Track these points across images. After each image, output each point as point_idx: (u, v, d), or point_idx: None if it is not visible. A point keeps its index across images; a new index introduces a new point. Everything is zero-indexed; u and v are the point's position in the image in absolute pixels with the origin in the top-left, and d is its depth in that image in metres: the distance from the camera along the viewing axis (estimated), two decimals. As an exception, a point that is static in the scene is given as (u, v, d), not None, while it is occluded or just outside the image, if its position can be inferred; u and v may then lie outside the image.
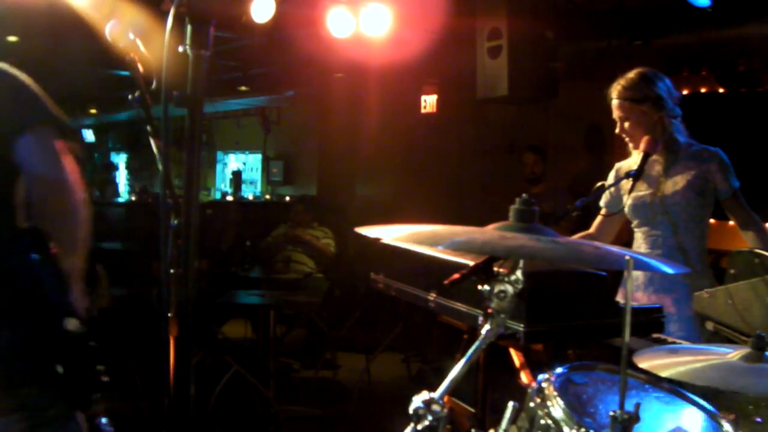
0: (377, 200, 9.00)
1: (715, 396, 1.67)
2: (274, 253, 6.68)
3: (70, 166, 2.08)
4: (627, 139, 2.97)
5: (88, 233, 2.14)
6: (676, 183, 2.88)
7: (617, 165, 3.11)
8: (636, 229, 3.01)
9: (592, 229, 3.15)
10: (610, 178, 3.09)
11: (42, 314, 1.99)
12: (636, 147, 2.93)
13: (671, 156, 2.92)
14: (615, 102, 2.95)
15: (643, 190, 2.93)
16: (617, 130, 2.98)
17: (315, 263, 6.61)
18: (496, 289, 1.53)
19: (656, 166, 2.94)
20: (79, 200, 2.09)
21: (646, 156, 2.80)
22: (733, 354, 1.60)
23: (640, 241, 2.98)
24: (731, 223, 2.95)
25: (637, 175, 2.79)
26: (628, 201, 2.93)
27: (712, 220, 2.96)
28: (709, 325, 2.35)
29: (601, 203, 3.11)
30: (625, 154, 3.08)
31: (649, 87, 2.88)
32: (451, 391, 1.51)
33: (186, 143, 1.81)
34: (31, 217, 2.09)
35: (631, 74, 2.92)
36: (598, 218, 3.14)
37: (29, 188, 2.07)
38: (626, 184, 2.90)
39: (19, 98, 2.08)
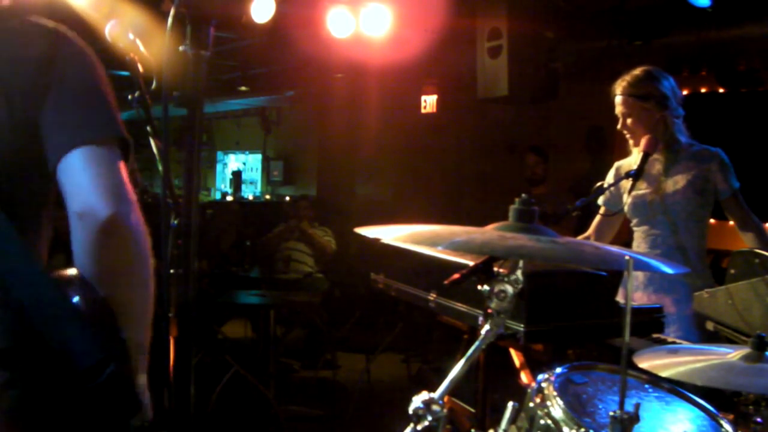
0: (377, 200, 9.00)
1: (715, 396, 1.67)
2: (275, 249, 6.67)
3: (136, 203, 1.45)
4: (628, 136, 2.97)
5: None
6: (677, 182, 2.88)
7: (617, 164, 3.11)
8: (635, 228, 3.01)
9: (589, 231, 3.15)
10: (610, 177, 3.09)
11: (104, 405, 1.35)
12: (636, 144, 2.93)
13: (672, 155, 2.92)
14: (618, 98, 2.94)
15: (643, 188, 2.93)
16: (619, 126, 2.98)
17: (315, 262, 6.61)
18: (496, 289, 1.53)
19: (657, 165, 2.94)
20: (149, 251, 1.48)
21: (646, 156, 2.80)
22: (733, 354, 1.60)
23: (639, 240, 2.98)
24: (731, 223, 2.95)
25: (637, 175, 2.78)
26: (627, 200, 2.93)
27: (712, 220, 2.96)
28: (709, 325, 2.35)
29: (600, 201, 3.11)
30: (625, 154, 3.08)
31: (654, 85, 2.89)
32: (451, 391, 1.51)
33: (186, 143, 1.81)
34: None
35: (637, 71, 2.93)
36: (596, 219, 3.14)
37: (75, 231, 1.40)
38: (626, 183, 2.90)
39: (87, 96, 1.47)
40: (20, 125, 1.40)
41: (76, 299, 1.35)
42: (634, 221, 3.00)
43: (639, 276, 2.95)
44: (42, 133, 1.41)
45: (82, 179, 1.39)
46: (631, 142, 2.98)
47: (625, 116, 2.94)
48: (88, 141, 1.41)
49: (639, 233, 2.99)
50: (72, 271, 1.41)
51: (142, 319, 1.49)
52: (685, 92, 5.59)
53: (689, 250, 2.87)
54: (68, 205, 1.40)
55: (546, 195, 5.60)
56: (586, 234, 3.15)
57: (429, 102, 8.12)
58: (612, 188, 3.05)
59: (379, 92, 7.92)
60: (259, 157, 12.78)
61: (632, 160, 2.97)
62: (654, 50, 5.36)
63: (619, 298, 2.30)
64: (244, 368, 4.64)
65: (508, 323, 1.82)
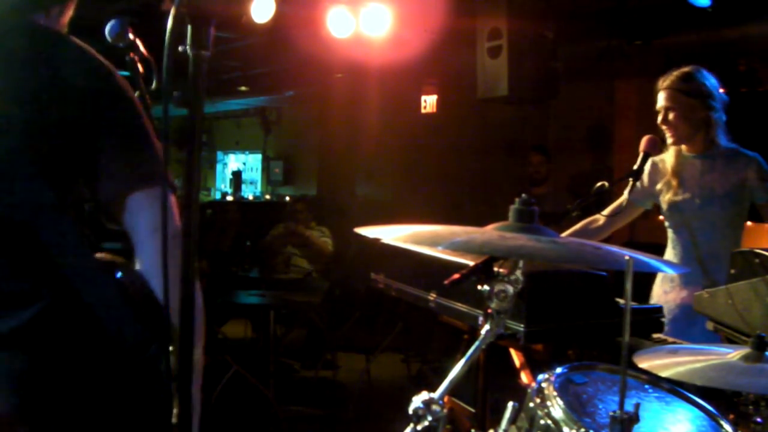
0: (377, 200, 9.00)
1: (715, 396, 1.67)
2: (275, 252, 6.67)
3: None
4: (668, 133, 2.93)
5: None
6: (714, 189, 2.87)
7: (652, 159, 3.04)
8: (670, 230, 3.01)
9: (602, 213, 3.08)
10: (645, 170, 3.04)
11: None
12: (676, 142, 2.92)
13: (708, 160, 2.92)
14: (664, 92, 2.92)
15: (680, 193, 2.93)
16: (659, 121, 2.95)
17: (313, 264, 6.61)
18: (496, 289, 1.53)
19: (692, 170, 2.93)
20: None
21: (646, 156, 2.78)
22: (733, 354, 1.60)
23: (674, 244, 2.98)
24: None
25: (636, 175, 2.77)
26: (664, 204, 2.95)
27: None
28: (710, 325, 2.35)
29: (626, 192, 3.03)
30: (626, 154, 3.07)
31: (703, 83, 2.89)
32: (451, 391, 1.51)
33: (186, 143, 1.81)
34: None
35: (686, 68, 2.92)
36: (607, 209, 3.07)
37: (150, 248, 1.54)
38: (660, 182, 2.93)
39: (136, 140, 1.59)
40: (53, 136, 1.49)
41: (119, 275, 1.52)
42: (670, 224, 3.00)
43: (675, 278, 2.95)
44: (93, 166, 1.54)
45: (142, 220, 1.56)
46: (670, 139, 2.94)
47: (667, 110, 2.90)
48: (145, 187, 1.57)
49: (673, 237, 2.98)
50: (113, 258, 1.57)
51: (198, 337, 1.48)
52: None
53: (724, 257, 2.85)
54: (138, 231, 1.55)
55: (546, 195, 5.60)
56: (595, 216, 3.09)
57: (429, 102, 8.12)
58: (645, 183, 3.02)
59: (379, 92, 7.92)
60: (259, 157, 12.78)
61: (667, 157, 2.97)
62: (654, 50, 5.36)
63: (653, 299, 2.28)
64: (244, 368, 4.64)
65: (508, 323, 1.82)
